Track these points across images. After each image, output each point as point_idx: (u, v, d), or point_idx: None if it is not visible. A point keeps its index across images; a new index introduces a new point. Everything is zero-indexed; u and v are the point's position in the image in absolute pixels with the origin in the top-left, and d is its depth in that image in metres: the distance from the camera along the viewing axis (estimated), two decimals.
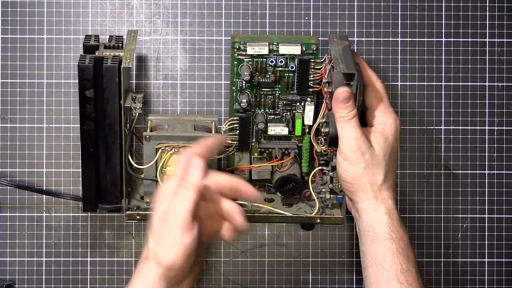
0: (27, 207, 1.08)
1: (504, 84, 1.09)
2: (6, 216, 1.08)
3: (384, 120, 0.97)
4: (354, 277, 1.10)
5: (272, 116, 1.04)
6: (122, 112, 0.97)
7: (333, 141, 0.96)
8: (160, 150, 0.99)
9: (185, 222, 0.86)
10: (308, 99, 1.03)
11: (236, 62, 1.02)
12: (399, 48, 1.09)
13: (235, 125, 1.03)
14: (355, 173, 0.95)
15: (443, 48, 1.09)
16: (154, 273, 0.86)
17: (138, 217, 1.01)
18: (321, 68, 1.01)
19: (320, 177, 1.03)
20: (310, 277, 1.10)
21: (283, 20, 1.08)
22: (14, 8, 1.07)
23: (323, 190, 1.02)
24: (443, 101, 1.09)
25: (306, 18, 1.08)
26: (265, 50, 1.01)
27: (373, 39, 1.09)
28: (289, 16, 1.08)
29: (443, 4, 1.09)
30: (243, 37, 1.02)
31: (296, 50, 1.01)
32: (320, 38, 1.05)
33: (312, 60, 1.01)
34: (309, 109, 1.02)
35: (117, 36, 1.02)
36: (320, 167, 1.02)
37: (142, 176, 1.01)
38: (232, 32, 1.07)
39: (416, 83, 1.09)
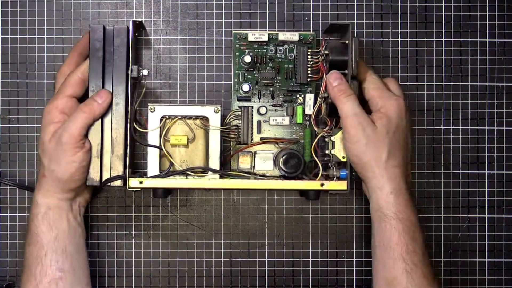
0: (27, 207, 1.08)
1: (504, 84, 1.09)
2: (6, 216, 1.08)
3: (385, 103, 0.98)
4: (354, 277, 1.10)
5: (273, 107, 1.06)
6: (129, 74, 1.00)
7: (333, 109, 1.00)
8: (164, 118, 1.01)
9: (76, 139, 0.97)
10: (308, 88, 1.05)
11: (238, 53, 1.05)
12: (399, 48, 1.09)
13: (238, 116, 1.05)
14: (358, 150, 0.96)
15: (443, 48, 1.09)
16: (55, 188, 0.98)
17: (140, 184, 1.00)
18: (318, 57, 1.04)
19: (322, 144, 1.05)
20: (310, 277, 1.10)
21: (283, 20, 1.08)
22: (14, 8, 1.07)
23: (325, 159, 1.03)
24: (443, 101, 1.09)
25: (306, 18, 1.08)
26: (265, 37, 1.04)
27: (373, 39, 1.09)
28: (289, 16, 1.08)
29: (443, 4, 1.09)
30: (244, 33, 1.06)
31: (294, 36, 1.05)
32: (319, 39, 1.06)
33: (310, 49, 1.04)
34: (309, 97, 1.05)
35: None
36: (322, 133, 1.03)
37: (147, 142, 1.02)
38: (232, 32, 1.08)
39: (416, 83, 1.09)
